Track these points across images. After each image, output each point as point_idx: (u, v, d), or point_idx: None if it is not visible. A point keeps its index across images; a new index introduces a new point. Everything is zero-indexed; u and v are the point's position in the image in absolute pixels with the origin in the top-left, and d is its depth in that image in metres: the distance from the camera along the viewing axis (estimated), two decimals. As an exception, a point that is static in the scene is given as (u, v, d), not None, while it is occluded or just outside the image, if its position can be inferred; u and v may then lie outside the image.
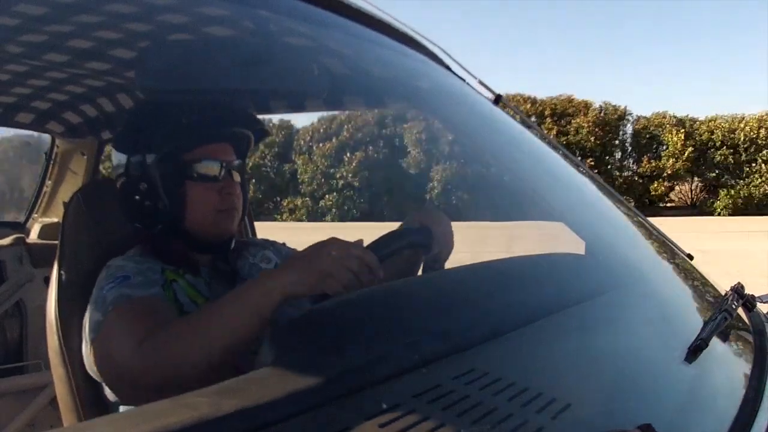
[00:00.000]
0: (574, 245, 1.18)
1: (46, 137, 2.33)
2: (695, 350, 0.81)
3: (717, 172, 32.48)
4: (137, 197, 1.02)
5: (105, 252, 1.03)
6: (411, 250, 1.01)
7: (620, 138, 34.78)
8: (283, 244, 1.24)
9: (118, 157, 1.05)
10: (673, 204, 33.64)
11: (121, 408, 0.94)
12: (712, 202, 31.96)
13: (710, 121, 32.88)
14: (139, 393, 0.87)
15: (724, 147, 31.70)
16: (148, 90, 1.14)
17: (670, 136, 32.46)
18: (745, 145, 31.21)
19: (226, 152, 1.05)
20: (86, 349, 0.94)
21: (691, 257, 1.45)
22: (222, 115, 1.08)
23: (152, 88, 1.09)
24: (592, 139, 32.63)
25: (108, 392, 0.96)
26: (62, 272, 1.04)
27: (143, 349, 0.85)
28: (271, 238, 1.26)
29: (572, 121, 33.42)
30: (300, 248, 0.93)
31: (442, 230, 1.01)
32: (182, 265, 1.03)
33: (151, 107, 1.10)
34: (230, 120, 1.08)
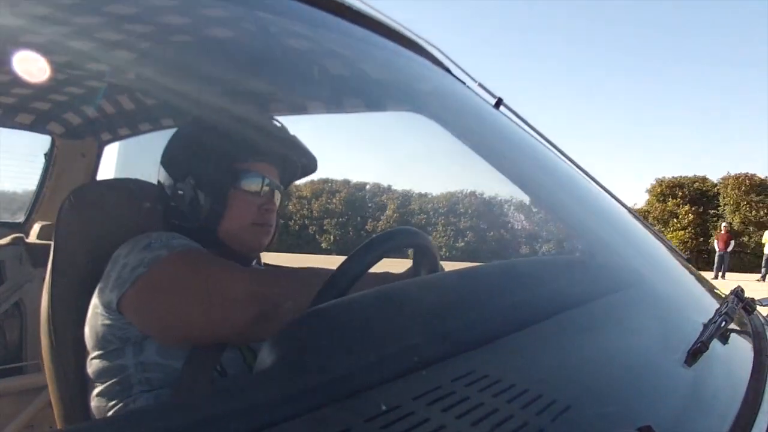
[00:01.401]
0: (574, 247, 1.18)
1: (47, 138, 2.34)
2: (695, 353, 0.81)
3: None
4: (181, 192, 1.04)
5: (98, 253, 1.03)
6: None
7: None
8: None
9: (171, 152, 1.08)
10: None
11: (115, 409, 0.94)
12: None
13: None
14: (210, 324, 0.90)
15: None
16: (129, 92, 1.16)
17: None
18: None
19: (272, 173, 1.09)
20: (107, 298, 0.93)
21: (690, 260, 1.45)
22: (277, 139, 1.12)
23: (129, 91, 1.11)
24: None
25: (100, 392, 0.96)
26: (55, 273, 1.04)
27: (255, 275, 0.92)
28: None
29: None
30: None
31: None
32: None
33: (218, 111, 1.13)
34: (283, 145, 1.12)
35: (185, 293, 0.92)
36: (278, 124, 1.14)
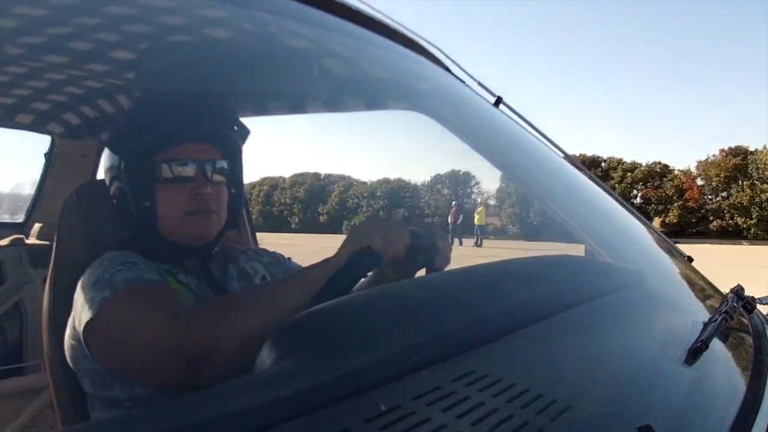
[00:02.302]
0: (574, 246, 1.18)
1: (46, 138, 2.33)
2: (695, 352, 0.81)
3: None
4: (115, 200, 1.03)
5: (101, 253, 1.03)
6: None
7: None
8: (289, 259, 1.21)
9: (104, 159, 1.06)
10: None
11: (115, 408, 0.94)
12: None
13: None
14: (152, 370, 0.86)
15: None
16: (127, 92, 1.14)
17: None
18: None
19: (201, 152, 1.02)
20: (76, 330, 0.91)
21: (690, 259, 1.45)
22: (194, 115, 1.05)
23: (128, 91, 1.10)
24: None
25: (99, 407, 0.95)
26: (58, 273, 1.04)
27: (181, 322, 0.83)
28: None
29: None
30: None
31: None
32: (173, 264, 1.02)
33: (125, 110, 1.10)
34: (203, 119, 1.05)
35: (127, 340, 0.88)
36: (198, 101, 1.08)
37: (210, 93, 1.12)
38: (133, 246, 1.02)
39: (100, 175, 2.30)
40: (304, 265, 1.17)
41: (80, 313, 0.91)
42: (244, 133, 1.10)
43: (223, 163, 1.04)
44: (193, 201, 1.00)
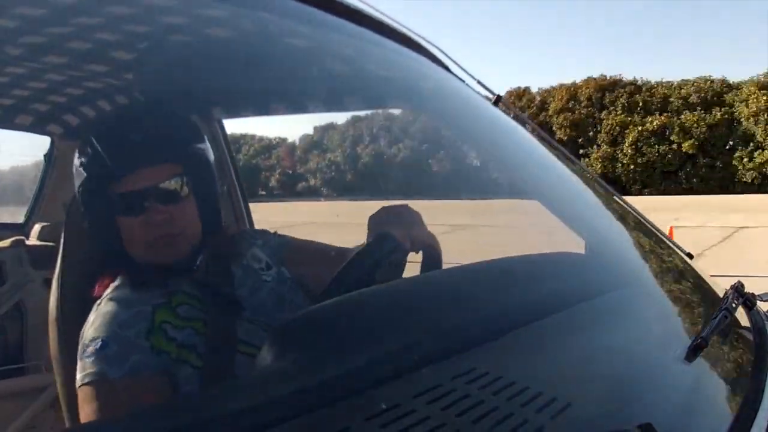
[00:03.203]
0: (574, 245, 1.18)
1: (46, 139, 2.33)
2: (695, 349, 0.81)
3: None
4: (83, 227, 1.00)
5: (108, 253, 1.02)
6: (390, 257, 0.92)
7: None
8: (275, 233, 1.17)
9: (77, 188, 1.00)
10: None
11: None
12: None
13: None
14: None
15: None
16: (126, 93, 1.13)
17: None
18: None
19: (149, 177, 0.95)
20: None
21: (690, 256, 1.45)
22: (141, 138, 0.97)
23: (127, 92, 1.08)
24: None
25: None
26: (65, 274, 1.03)
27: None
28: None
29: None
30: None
31: (406, 225, 0.95)
32: (167, 293, 0.97)
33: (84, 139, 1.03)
34: (152, 139, 0.97)
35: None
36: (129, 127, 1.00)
37: (166, 103, 1.09)
38: (122, 267, 0.99)
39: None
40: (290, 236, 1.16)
41: (78, 365, 0.90)
42: (199, 136, 1.05)
43: (179, 179, 0.97)
44: (150, 231, 0.95)
